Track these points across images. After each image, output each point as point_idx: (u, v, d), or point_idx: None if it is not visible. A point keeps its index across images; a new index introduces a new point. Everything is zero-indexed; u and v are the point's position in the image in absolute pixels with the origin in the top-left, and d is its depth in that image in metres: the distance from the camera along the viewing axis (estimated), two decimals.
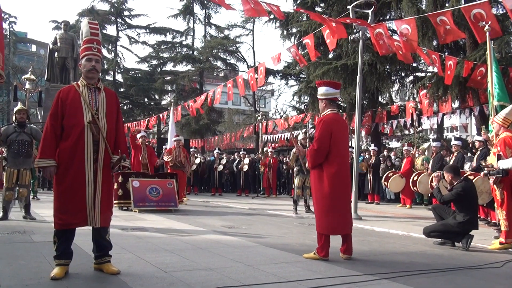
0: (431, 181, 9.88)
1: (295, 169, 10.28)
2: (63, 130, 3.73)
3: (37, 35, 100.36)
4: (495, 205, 5.99)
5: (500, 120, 6.15)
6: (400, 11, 15.12)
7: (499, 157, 5.73)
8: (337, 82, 5.44)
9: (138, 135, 11.20)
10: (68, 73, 17.79)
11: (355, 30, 9.82)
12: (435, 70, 15.26)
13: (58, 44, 17.71)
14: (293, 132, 11.38)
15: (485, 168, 5.95)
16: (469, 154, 11.18)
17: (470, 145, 14.06)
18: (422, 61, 15.55)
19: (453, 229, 5.67)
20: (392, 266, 4.48)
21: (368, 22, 9.65)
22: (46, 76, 18.68)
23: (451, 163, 10.07)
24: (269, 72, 24.53)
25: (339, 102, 17.30)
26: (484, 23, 7.63)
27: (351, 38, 9.92)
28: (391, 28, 14.97)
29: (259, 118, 17.70)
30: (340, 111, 17.16)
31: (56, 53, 17.82)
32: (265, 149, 18.30)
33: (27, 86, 11.66)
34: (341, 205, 4.71)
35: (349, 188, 4.97)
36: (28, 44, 51.41)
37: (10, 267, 3.92)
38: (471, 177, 7.80)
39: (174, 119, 17.09)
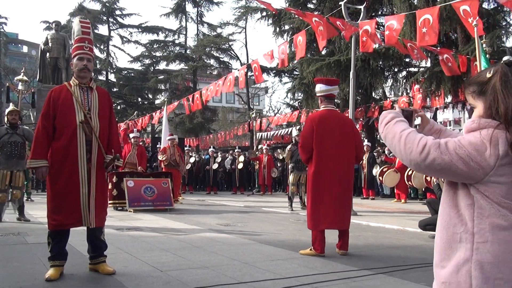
0: (427, 175, 9.94)
1: (290, 166, 10.30)
2: (55, 130, 3.70)
3: (28, 36, 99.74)
4: None
5: None
6: (392, 6, 15.15)
7: None
8: (333, 79, 5.44)
9: (131, 135, 11.16)
10: (60, 73, 17.65)
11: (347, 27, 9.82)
12: (428, 65, 15.36)
13: (50, 44, 17.56)
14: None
15: None
16: None
17: None
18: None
19: None
20: (388, 260, 4.49)
21: (360, 18, 9.67)
22: (38, 77, 18.54)
23: None
24: (262, 69, 24.48)
25: None
26: (471, 19, 7.68)
27: (343, 34, 9.92)
28: (383, 24, 15.01)
29: (253, 116, 17.70)
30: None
31: (47, 54, 17.67)
32: (259, 146, 18.31)
33: (20, 87, 11.57)
34: (322, 202, 4.67)
35: (338, 186, 4.75)
36: (20, 45, 51.02)
37: (4, 269, 3.89)
38: None
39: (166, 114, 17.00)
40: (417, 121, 1.76)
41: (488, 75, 1.43)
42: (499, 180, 1.35)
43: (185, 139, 24.71)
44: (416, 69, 16.86)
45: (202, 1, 31.57)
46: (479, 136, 1.38)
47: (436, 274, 1.48)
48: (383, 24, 14.65)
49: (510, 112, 1.35)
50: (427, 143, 1.41)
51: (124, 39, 33.70)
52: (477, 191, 1.38)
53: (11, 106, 7.56)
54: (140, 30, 33.44)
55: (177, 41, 33.52)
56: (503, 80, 1.39)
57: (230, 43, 31.28)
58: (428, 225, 5.95)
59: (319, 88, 5.00)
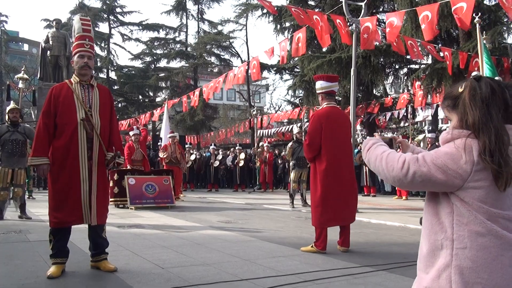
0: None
1: (291, 163, 10.30)
2: (56, 128, 3.70)
3: (29, 34, 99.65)
4: None
5: None
6: (393, 3, 15.11)
7: None
8: (334, 76, 5.46)
9: (131, 133, 11.12)
10: (61, 71, 17.66)
11: (348, 23, 9.81)
12: (429, 61, 15.34)
13: (50, 42, 17.56)
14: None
15: None
16: None
17: None
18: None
19: None
20: (389, 257, 4.49)
21: (361, 14, 9.65)
22: (38, 75, 18.57)
23: None
24: (263, 66, 24.45)
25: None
26: (456, 15, 7.77)
27: (345, 31, 9.90)
28: (384, 21, 15.00)
29: (254, 113, 17.69)
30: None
31: (48, 52, 17.68)
32: (260, 143, 18.32)
33: (20, 85, 11.60)
34: (333, 199, 4.68)
35: (345, 182, 4.85)
36: (20, 43, 50.99)
37: (6, 266, 3.90)
38: None
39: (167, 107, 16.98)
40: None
41: (460, 90, 1.54)
42: (476, 185, 1.43)
43: (186, 137, 24.70)
44: (417, 66, 16.84)
45: None
46: (453, 146, 1.48)
47: (420, 279, 1.56)
48: (384, 21, 14.63)
49: (477, 123, 1.45)
50: (406, 159, 1.51)
51: (125, 36, 33.65)
52: (457, 199, 1.46)
53: (12, 104, 7.57)
54: (140, 27, 33.37)
55: (177, 39, 33.46)
56: (471, 94, 1.49)
57: (231, 40, 31.21)
58: None
59: (320, 85, 5.00)
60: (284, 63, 14.41)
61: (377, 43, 13.19)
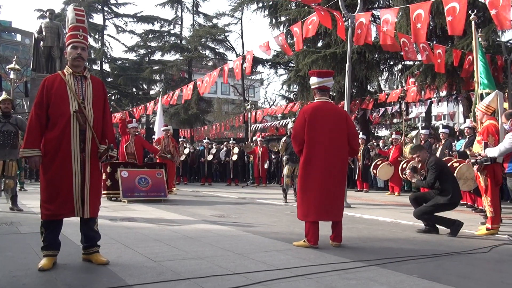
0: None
1: (284, 158, 10.30)
2: (49, 119, 3.66)
3: (22, 24, 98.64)
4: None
5: (483, 107, 6.24)
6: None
7: (486, 145, 5.79)
8: (326, 71, 5.42)
9: (130, 125, 11.07)
10: (54, 62, 17.48)
11: (344, 19, 9.81)
12: (424, 58, 15.37)
13: (43, 33, 17.38)
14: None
15: (471, 157, 5.99)
16: (456, 142, 11.29)
17: (457, 133, 14.23)
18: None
19: (443, 206, 5.76)
20: (381, 252, 4.51)
21: (357, 10, 9.65)
22: (31, 66, 18.38)
23: (439, 150, 10.18)
24: (258, 61, 24.43)
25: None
26: (451, 17, 7.84)
27: (341, 24, 9.90)
28: (379, 17, 14.99)
29: (248, 107, 17.67)
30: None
31: (41, 42, 17.50)
32: (254, 138, 18.31)
33: (12, 76, 11.50)
34: (313, 192, 4.67)
35: (332, 177, 4.73)
36: (13, 34, 50.38)
37: None
38: (457, 164, 7.90)
39: (164, 102, 16.95)
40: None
41: None
42: None
43: (180, 130, 24.63)
44: (411, 63, 16.87)
45: None
46: None
47: None
48: (379, 17, 14.63)
49: None
50: None
51: (119, 28, 33.40)
52: None
53: (4, 95, 7.49)
54: (135, 19, 33.14)
55: (172, 31, 33.32)
56: None
57: (226, 34, 31.12)
58: (424, 214, 5.90)
59: (313, 80, 5.04)
60: (290, 55, 14.37)
61: (373, 38, 13.18)
